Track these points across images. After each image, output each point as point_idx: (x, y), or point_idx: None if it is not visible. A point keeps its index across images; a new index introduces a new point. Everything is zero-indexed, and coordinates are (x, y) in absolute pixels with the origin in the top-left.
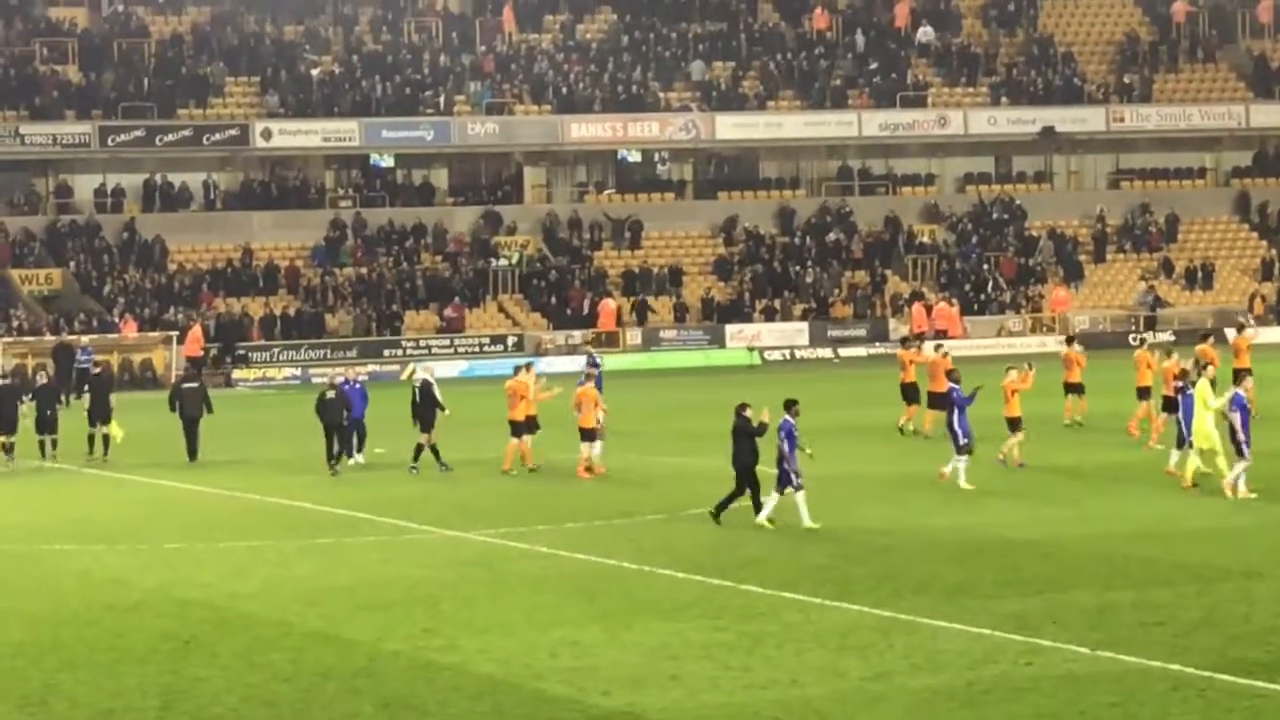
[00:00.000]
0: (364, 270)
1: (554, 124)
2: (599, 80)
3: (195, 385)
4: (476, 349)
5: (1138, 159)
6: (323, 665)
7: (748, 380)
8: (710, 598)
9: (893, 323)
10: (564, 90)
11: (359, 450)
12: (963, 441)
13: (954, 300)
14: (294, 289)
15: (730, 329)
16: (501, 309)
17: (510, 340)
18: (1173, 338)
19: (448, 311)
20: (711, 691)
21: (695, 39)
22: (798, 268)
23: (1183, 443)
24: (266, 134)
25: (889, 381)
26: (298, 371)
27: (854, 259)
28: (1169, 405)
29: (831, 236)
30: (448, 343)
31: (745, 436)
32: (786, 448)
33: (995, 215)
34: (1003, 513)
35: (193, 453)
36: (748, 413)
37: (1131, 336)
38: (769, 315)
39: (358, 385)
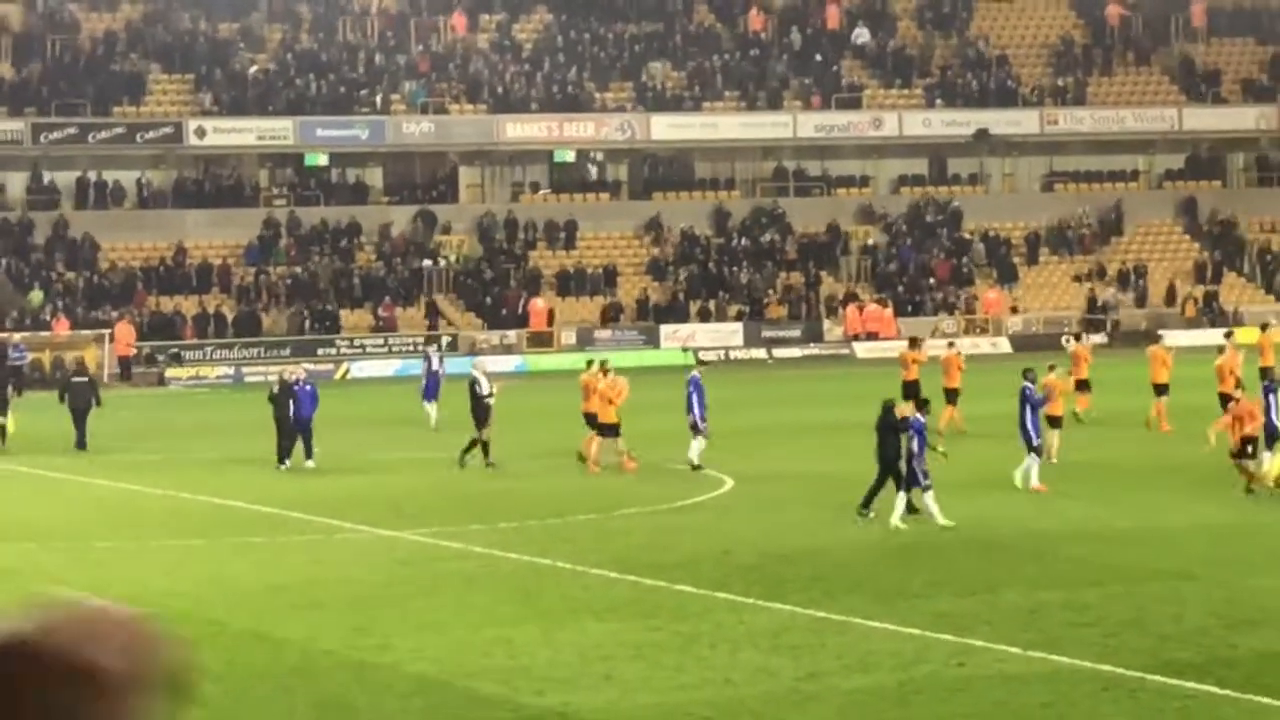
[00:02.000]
0: (298, 269)
1: (489, 124)
2: (534, 80)
3: (84, 380)
4: (410, 348)
5: (1071, 161)
6: (255, 665)
7: (682, 381)
8: (644, 598)
9: (827, 324)
10: (499, 90)
11: (306, 455)
12: (1036, 442)
13: (887, 301)
14: (227, 288)
15: (665, 329)
16: (436, 308)
17: (444, 340)
18: (1105, 339)
19: (381, 311)
20: (645, 691)
21: (631, 39)
22: (732, 268)
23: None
24: (200, 132)
25: (825, 383)
26: (231, 370)
27: (789, 260)
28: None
29: (766, 237)
30: (381, 342)
31: (890, 431)
32: (916, 446)
33: (930, 217)
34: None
35: (80, 443)
36: (897, 409)
37: (1064, 338)
38: (704, 316)
39: (309, 386)
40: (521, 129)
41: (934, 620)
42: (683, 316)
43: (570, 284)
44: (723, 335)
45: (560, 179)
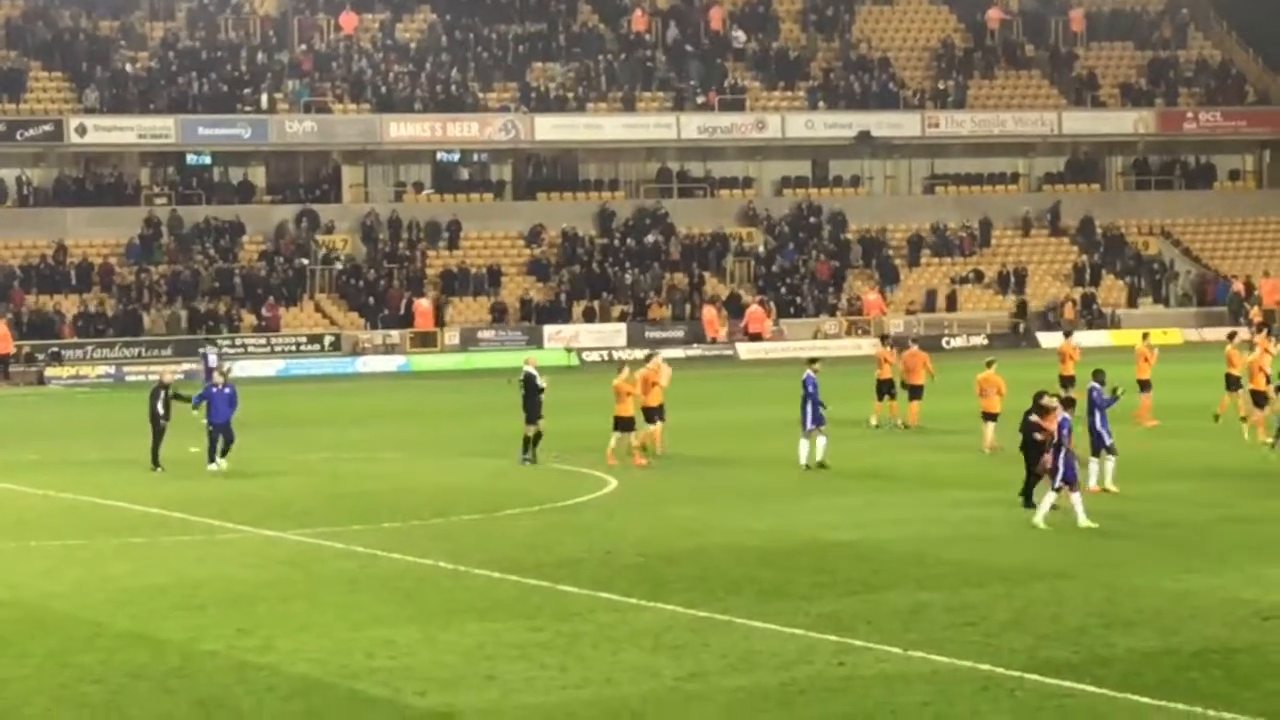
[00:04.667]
0: (179, 268)
1: (373, 123)
2: (418, 80)
3: None
4: (293, 348)
5: (952, 164)
6: (135, 665)
7: (566, 381)
8: (526, 598)
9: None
10: (383, 89)
11: (222, 454)
12: (1108, 441)
13: (768, 302)
14: (108, 286)
15: (548, 330)
16: (319, 308)
17: (327, 340)
18: (985, 341)
19: (264, 311)
20: (527, 691)
21: (515, 40)
22: (616, 269)
23: None
24: (81, 130)
25: (708, 383)
26: (112, 370)
27: (672, 261)
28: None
29: (650, 238)
30: (264, 342)
31: (1035, 430)
32: (1067, 439)
33: (812, 219)
34: (818, 513)
35: None
36: (1045, 400)
37: (944, 340)
38: (587, 316)
39: (227, 389)
40: (405, 129)
41: (816, 620)
42: (566, 317)
43: (454, 284)
44: (606, 336)
45: (443, 179)
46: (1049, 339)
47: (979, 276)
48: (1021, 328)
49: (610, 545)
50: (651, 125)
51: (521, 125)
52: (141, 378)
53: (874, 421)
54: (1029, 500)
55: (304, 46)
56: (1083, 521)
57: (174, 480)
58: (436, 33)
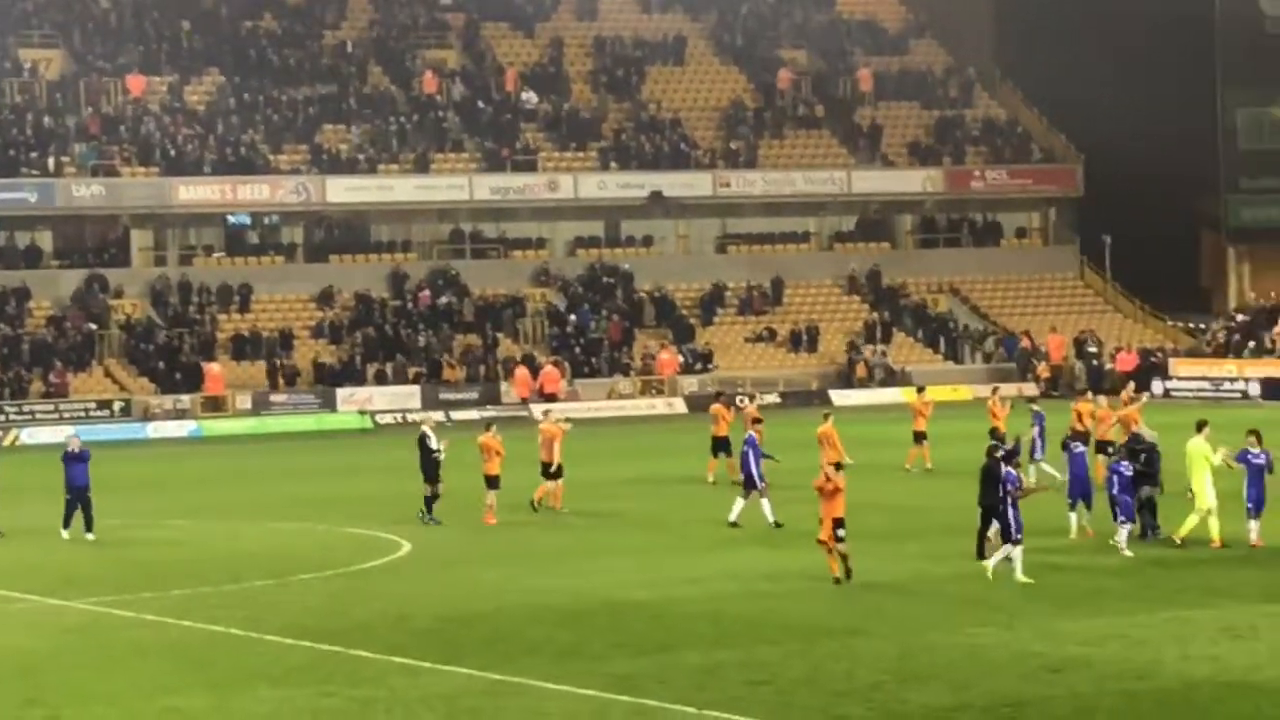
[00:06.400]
0: None
1: (162, 186)
2: (207, 142)
3: None
4: (82, 414)
5: (745, 223)
6: None
7: (360, 444)
8: (319, 663)
9: (504, 385)
10: (172, 152)
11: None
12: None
13: (562, 363)
14: None
15: (341, 393)
16: (108, 373)
17: (117, 405)
18: (779, 399)
19: (52, 376)
20: None
21: (305, 102)
22: (409, 331)
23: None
24: None
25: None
26: None
27: (466, 322)
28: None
29: (443, 300)
30: (52, 408)
31: (992, 478)
32: (1011, 494)
33: (605, 278)
34: (614, 573)
35: None
36: (998, 454)
37: (738, 398)
38: (380, 379)
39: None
40: (194, 191)
41: (611, 681)
42: (359, 379)
43: (245, 348)
44: (400, 398)
45: (234, 242)
46: (841, 396)
47: (772, 334)
48: (815, 385)
49: (404, 609)
50: (444, 186)
51: (313, 187)
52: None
53: (711, 479)
54: (981, 553)
55: (90, 109)
56: (1019, 576)
57: None
58: (225, 95)
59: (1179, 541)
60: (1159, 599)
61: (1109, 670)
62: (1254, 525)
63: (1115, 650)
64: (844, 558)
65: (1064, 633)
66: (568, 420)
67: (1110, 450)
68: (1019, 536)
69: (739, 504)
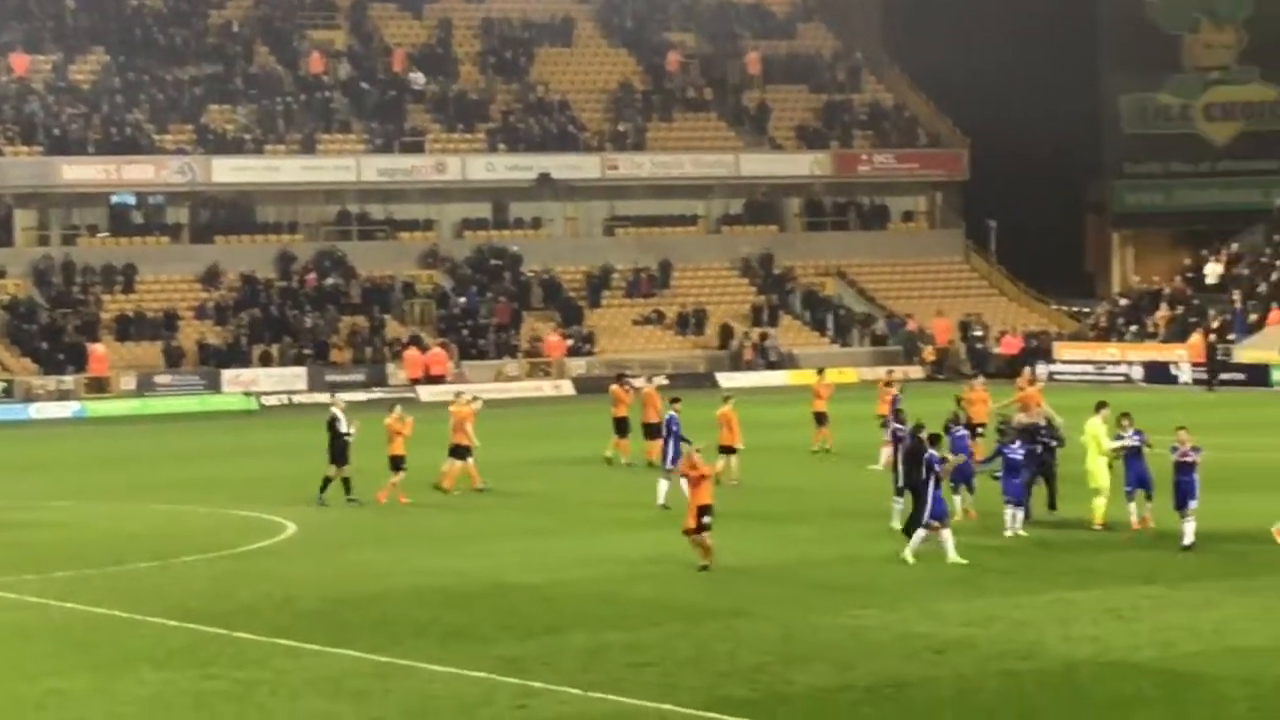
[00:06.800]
0: None
1: (45, 165)
2: (92, 122)
3: None
4: None
5: (633, 206)
6: None
7: (245, 426)
8: (202, 645)
9: (390, 367)
10: (55, 131)
11: None
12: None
13: (449, 344)
14: None
15: (227, 374)
16: None
17: None
18: (666, 381)
19: None
20: None
21: (191, 81)
22: (295, 312)
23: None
24: None
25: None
26: None
27: (353, 304)
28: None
29: (330, 281)
30: None
31: (917, 459)
32: (938, 474)
33: (493, 260)
34: (503, 555)
35: None
36: (923, 434)
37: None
38: (265, 360)
39: None
40: (78, 171)
41: (498, 663)
42: (245, 361)
43: (130, 328)
44: (286, 379)
45: (119, 222)
46: (728, 379)
47: (660, 317)
48: (703, 368)
49: (289, 591)
50: (331, 168)
51: (198, 167)
52: None
53: (609, 454)
54: (909, 531)
55: None
56: (951, 557)
57: None
58: (110, 74)
59: (1097, 528)
60: (1041, 580)
61: (992, 651)
62: (1132, 507)
63: (998, 631)
64: (706, 548)
65: (947, 614)
66: (476, 399)
67: (982, 431)
68: (933, 521)
69: (663, 485)
